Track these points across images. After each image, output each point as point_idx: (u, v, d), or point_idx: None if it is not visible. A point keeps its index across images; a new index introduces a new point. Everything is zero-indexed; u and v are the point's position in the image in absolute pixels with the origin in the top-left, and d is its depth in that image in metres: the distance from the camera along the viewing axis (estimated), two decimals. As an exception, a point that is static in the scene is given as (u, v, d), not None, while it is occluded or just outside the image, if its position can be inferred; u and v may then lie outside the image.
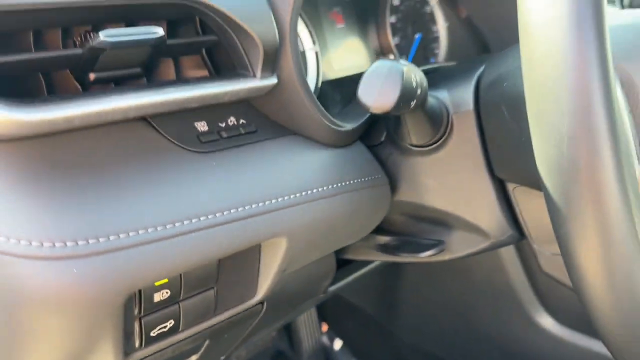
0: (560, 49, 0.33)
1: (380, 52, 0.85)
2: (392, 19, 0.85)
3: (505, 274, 0.96)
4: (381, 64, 0.46)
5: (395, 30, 0.85)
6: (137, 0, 0.42)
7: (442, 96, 0.58)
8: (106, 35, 0.40)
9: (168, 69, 0.50)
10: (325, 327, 1.31)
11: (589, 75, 0.33)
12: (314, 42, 0.73)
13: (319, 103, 0.54)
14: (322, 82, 0.73)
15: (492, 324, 1.04)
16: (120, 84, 0.48)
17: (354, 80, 0.78)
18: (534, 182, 0.52)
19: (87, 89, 0.46)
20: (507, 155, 0.54)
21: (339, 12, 0.81)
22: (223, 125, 0.51)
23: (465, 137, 0.57)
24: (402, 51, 0.86)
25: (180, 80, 0.51)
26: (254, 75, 0.49)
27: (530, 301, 0.98)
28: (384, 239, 0.69)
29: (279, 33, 0.49)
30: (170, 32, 0.49)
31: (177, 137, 0.48)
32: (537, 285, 0.96)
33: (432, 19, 0.90)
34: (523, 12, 0.35)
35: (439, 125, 0.57)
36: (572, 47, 0.33)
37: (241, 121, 0.53)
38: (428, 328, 1.13)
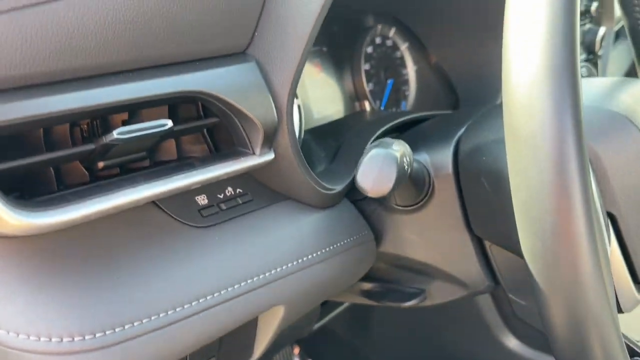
0: (544, 162, 0.37)
1: (356, 98, 0.89)
2: (366, 66, 0.89)
3: (473, 299, 1.02)
4: (377, 152, 0.49)
5: (369, 77, 0.89)
6: (148, 97, 0.44)
7: (423, 159, 0.62)
8: (119, 133, 0.42)
9: (170, 147, 0.51)
10: (297, 350, 1.33)
11: (569, 184, 0.37)
12: (296, 97, 0.75)
13: (311, 172, 0.57)
14: (304, 132, 0.76)
15: (460, 345, 1.09)
16: (125, 166, 0.49)
17: (333, 128, 0.82)
18: (511, 245, 0.56)
19: (94, 175, 0.47)
20: (485, 219, 0.59)
21: (318, 62, 0.83)
22: (221, 196, 0.53)
23: (445, 199, 0.61)
24: (376, 96, 0.90)
25: (182, 158, 0.52)
26: (254, 153, 0.52)
27: (496, 324, 1.03)
28: (368, 285, 0.72)
29: (277, 114, 0.51)
30: (171, 113, 0.51)
31: (180, 214, 0.50)
32: (502, 309, 1.02)
33: (402, 62, 0.94)
34: (509, 125, 0.39)
35: (421, 188, 0.61)
36: (555, 161, 0.37)
37: (238, 190, 0.55)
38: (399, 349, 1.17)
